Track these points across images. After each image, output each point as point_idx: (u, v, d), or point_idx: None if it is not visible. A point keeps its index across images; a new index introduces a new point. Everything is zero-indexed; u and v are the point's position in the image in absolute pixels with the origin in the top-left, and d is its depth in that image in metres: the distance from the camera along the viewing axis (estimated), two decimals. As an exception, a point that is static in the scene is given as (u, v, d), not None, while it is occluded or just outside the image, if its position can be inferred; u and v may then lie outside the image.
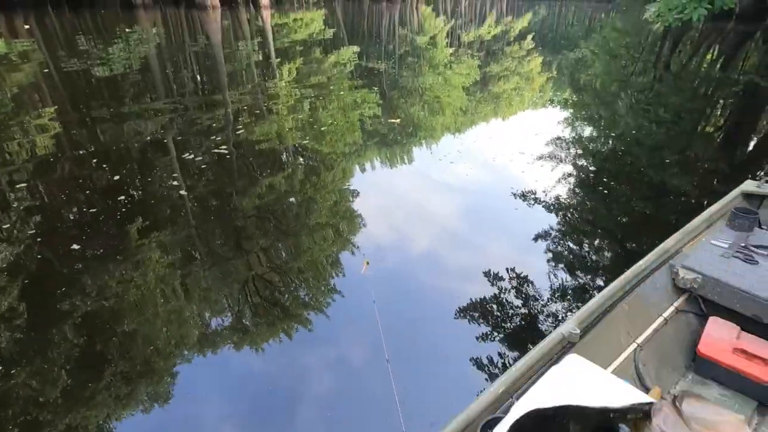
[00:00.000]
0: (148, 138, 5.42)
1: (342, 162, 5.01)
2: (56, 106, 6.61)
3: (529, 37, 19.43)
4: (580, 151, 5.63)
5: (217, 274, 3.00)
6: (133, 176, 4.39)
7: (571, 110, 7.92)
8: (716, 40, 19.30)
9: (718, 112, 8.10)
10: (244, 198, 4.06)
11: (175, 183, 4.26)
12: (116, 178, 4.30)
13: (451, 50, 14.42)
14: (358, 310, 2.73)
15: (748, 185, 2.73)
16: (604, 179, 4.75)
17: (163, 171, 4.52)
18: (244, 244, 3.36)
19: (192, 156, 4.84)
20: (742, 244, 2.14)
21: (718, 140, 6.43)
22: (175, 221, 3.64)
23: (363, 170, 4.91)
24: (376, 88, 8.34)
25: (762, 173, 4.73)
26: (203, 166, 4.62)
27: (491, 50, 14.70)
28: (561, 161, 5.17)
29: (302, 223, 3.69)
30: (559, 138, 6.03)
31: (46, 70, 9.02)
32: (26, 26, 16.33)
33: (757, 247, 2.11)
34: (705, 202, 3.89)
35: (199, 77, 9.05)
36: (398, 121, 6.44)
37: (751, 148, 6.10)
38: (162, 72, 9.26)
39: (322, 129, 5.92)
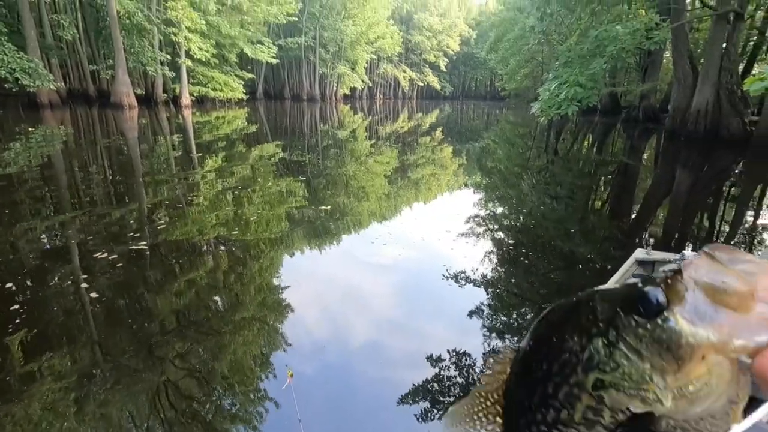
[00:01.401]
0: (49, 241, 4.84)
1: (269, 253, 4.85)
2: (-73, 213, 5.73)
3: (439, 129, 21.73)
4: (498, 227, 6.08)
5: (123, 389, 2.55)
6: (29, 284, 3.79)
7: (484, 191, 8.70)
8: (589, 130, 23.22)
9: (602, 188, 9.43)
10: (160, 298, 3.67)
11: (80, 287, 3.75)
12: (8, 286, 3.69)
13: (370, 142, 15.52)
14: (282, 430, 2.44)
15: (639, 253, 3.10)
16: (523, 251, 5.12)
17: (66, 276, 3.99)
18: (157, 350, 2.96)
19: (101, 256, 4.37)
20: None
21: (607, 211, 7.39)
22: (75, 331, 3.13)
23: (293, 260, 4.77)
24: (302, 179, 8.52)
25: (651, 242, 5.42)
26: (113, 268, 4.17)
27: (407, 141, 16.09)
28: (483, 237, 5.52)
29: (226, 321, 3.38)
30: (478, 216, 6.50)
31: None
32: None
33: None
34: (608, 267, 4.32)
35: (111, 175, 8.57)
36: (328, 208, 6.54)
37: (633, 216, 7.07)
38: (68, 171, 8.64)
39: (247, 221, 5.78)
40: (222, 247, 4.90)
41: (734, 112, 14.88)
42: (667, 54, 23.08)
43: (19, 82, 19.97)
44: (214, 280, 4.12)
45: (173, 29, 27.59)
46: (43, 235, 5.04)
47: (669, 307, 0.32)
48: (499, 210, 7.25)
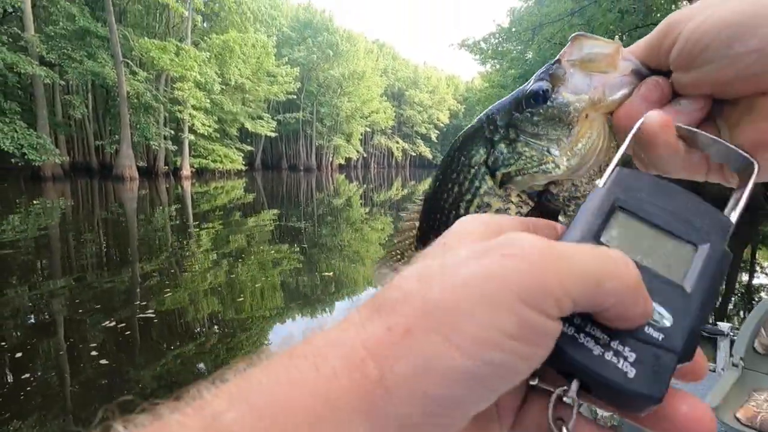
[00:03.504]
0: (34, 317, 4.74)
1: (262, 323, 4.76)
2: None
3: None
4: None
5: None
6: (10, 360, 3.66)
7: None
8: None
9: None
10: (145, 371, 3.54)
11: (59, 365, 3.62)
12: (-21, 367, 3.55)
13: (365, 209, 15.85)
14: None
15: None
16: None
17: (46, 353, 3.86)
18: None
19: (86, 333, 4.26)
20: None
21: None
22: (54, 397, 2.97)
23: (287, 329, 4.68)
24: (297, 247, 8.59)
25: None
26: (97, 343, 4.05)
27: (402, 208, 16.45)
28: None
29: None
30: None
31: None
32: None
33: None
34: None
35: (106, 246, 8.60)
36: (328, 274, 6.53)
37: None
38: (63, 243, 8.66)
39: (240, 290, 5.74)
40: (213, 319, 4.81)
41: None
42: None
43: (26, 157, 20.65)
44: (203, 352, 4.01)
45: (179, 107, 29.23)
46: (30, 305, 4.94)
47: (554, 90, 0.38)
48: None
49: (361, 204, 18.02)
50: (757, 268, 7.74)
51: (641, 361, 0.25)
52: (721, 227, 0.28)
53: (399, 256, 0.52)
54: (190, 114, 29.58)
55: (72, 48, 23.70)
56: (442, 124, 76.48)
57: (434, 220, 0.46)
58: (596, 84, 0.36)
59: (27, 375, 3.42)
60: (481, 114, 0.44)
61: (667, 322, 0.25)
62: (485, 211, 0.42)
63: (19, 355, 3.75)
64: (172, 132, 30.35)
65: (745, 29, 0.29)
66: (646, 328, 0.25)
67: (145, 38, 25.53)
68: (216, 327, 4.60)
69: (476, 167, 0.42)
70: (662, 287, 0.26)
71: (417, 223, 0.50)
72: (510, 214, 0.41)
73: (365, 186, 29.43)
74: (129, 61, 25.75)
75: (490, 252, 0.24)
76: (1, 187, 19.88)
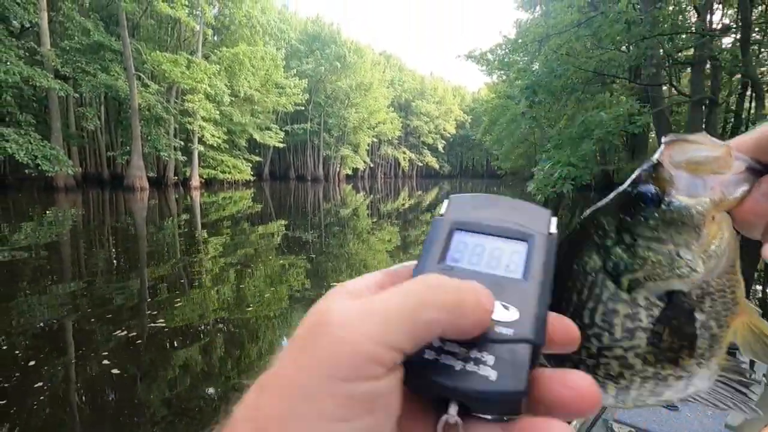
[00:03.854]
0: (45, 325, 4.79)
1: (270, 336, 4.76)
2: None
3: (439, 206, 22.28)
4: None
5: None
6: (16, 367, 3.69)
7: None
8: (585, 205, 23.72)
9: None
10: (152, 384, 3.55)
11: (70, 374, 3.64)
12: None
13: (372, 219, 15.88)
14: None
15: None
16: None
17: (57, 362, 3.89)
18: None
19: (97, 342, 4.30)
20: None
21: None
22: (60, 412, 2.99)
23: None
24: (304, 256, 8.61)
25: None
26: (108, 352, 4.08)
27: (408, 218, 16.45)
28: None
29: (220, 411, 3.23)
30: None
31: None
32: None
33: None
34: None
35: (116, 255, 8.70)
36: (338, 284, 6.53)
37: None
38: (74, 251, 8.78)
39: (248, 301, 5.75)
40: (221, 330, 4.83)
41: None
42: (653, 134, 24.48)
43: (40, 167, 21.06)
44: (210, 365, 4.01)
45: (189, 119, 29.70)
46: (41, 313, 5.00)
47: (665, 194, 0.36)
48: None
49: (368, 214, 18.05)
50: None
51: (500, 361, 0.26)
52: (543, 218, 0.32)
53: None
54: (200, 125, 30.03)
55: (86, 62, 24.27)
56: (448, 135, 76.71)
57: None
58: (713, 185, 0.35)
59: (39, 384, 3.45)
60: (581, 218, 0.42)
61: (515, 315, 0.27)
62: (612, 318, 0.39)
63: (32, 363, 3.78)
64: (182, 143, 30.80)
65: None
66: (496, 328, 0.27)
67: (157, 52, 26.07)
68: (225, 337, 4.61)
69: (593, 274, 0.39)
70: (504, 286, 0.28)
71: None
72: (640, 318, 0.38)
73: (372, 196, 29.51)
74: (141, 74, 26.31)
75: (306, 339, 0.25)
76: (16, 197, 20.24)
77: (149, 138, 28.14)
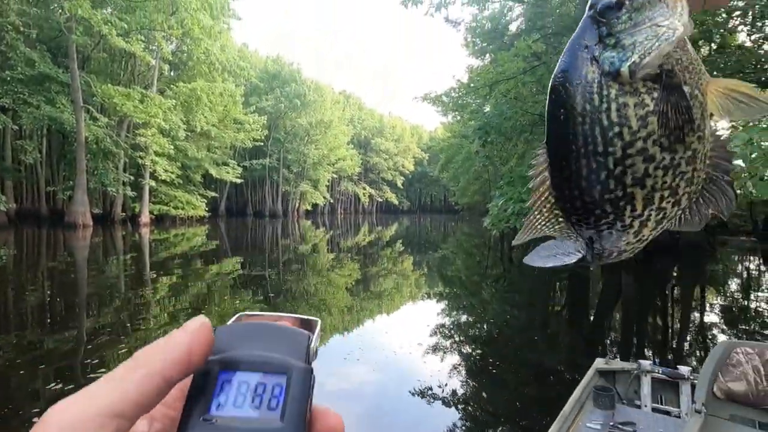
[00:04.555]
0: (-42, 380, 4.22)
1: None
2: None
3: (399, 241, 22.47)
4: (466, 338, 6.02)
5: None
6: None
7: (447, 301, 8.76)
8: (536, 240, 24.82)
9: (558, 293, 9.78)
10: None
11: (-16, 439, 3.20)
12: None
13: (332, 255, 15.68)
14: None
15: (599, 363, 3.18)
16: (492, 361, 5.03)
17: (-31, 424, 3.41)
18: None
19: (29, 398, 3.83)
20: (611, 423, 2.41)
21: (566, 317, 7.57)
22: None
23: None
24: (261, 295, 8.28)
25: (609, 346, 5.55)
26: (40, 409, 3.64)
27: (368, 254, 16.40)
28: (453, 350, 5.41)
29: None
30: (445, 327, 6.45)
31: None
32: None
33: (622, 423, 2.40)
34: (576, 376, 4.30)
35: (51, 300, 7.96)
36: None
37: (590, 321, 7.27)
38: (6, 290, 7.95)
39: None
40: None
41: (660, 221, 16.61)
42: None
43: (-35, 203, 19.30)
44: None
45: (140, 153, 28.61)
46: (-42, 372, 4.41)
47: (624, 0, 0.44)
48: (465, 319, 7.25)
49: (327, 250, 17.83)
50: (707, 307, 8.16)
51: None
52: (301, 348, 0.32)
53: (540, 217, 0.53)
54: (152, 160, 28.97)
55: (29, 93, 23.06)
56: (407, 171, 78.69)
57: (575, 150, 0.47)
58: None
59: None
60: (565, 53, 0.47)
61: None
62: (626, 111, 0.44)
63: (-64, 428, 3.29)
64: (132, 178, 29.47)
65: None
66: None
67: (109, 85, 25.28)
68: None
69: (596, 81, 0.45)
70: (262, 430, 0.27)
71: (548, 174, 0.50)
72: (647, 103, 0.44)
73: (332, 232, 29.29)
74: (90, 107, 25.27)
75: None
76: (-66, 236, 18.28)
77: (96, 172, 26.73)
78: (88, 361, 4.73)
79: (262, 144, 45.82)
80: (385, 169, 74.01)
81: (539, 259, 0.56)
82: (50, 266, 11.52)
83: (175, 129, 28.88)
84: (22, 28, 22.42)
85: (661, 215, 0.48)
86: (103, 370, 4.43)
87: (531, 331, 6.33)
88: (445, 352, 5.30)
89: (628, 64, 0.43)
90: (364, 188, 73.47)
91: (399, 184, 77.98)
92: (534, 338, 6.00)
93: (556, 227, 0.53)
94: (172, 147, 29.47)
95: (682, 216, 0.49)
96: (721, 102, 0.45)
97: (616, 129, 0.44)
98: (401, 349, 5.37)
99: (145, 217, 29.89)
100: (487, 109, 18.66)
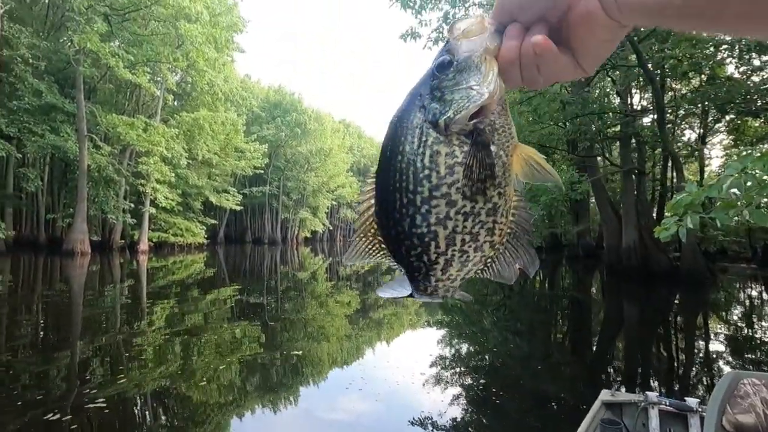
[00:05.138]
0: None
1: (220, 415, 4.35)
2: None
3: (397, 270, 22.30)
4: (468, 367, 5.90)
5: None
6: None
7: (448, 329, 8.64)
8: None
9: (560, 321, 9.66)
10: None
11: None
12: None
13: (331, 283, 15.55)
14: None
15: (605, 395, 3.12)
16: (495, 391, 4.92)
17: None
18: None
19: (26, 428, 3.72)
20: None
21: (568, 346, 7.46)
22: None
23: (254, 419, 4.28)
24: (259, 324, 8.17)
25: (613, 376, 5.45)
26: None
27: (368, 281, 16.27)
28: (456, 379, 5.30)
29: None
30: (447, 356, 6.33)
31: None
32: None
33: None
34: (581, 405, 4.21)
35: (45, 329, 7.83)
36: (297, 353, 6.18)
37: (594, 349, 7.16)
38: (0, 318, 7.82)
39: (194, 375, 5.29)
40: (162, 411, 4.36)
41: (658, 249, 16.64)
42: (593, 199, 26.52)
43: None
44: (151, 449, 3.56)
45: (141, 180, 28.81)
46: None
47: (454, 56, 0.51)
48: (467, 348, 7.13)
49: (326, 278, 17.70)
50: (711, 335, 8.06)
51: None
52: None
53: (365, 239, 0.58)
54: (153, 187, 29.13)
55: (34, 122, 23.45)
56: (406, 199, 78.97)
57: (392, 185, 0.53)
58: (480, 41, 0.50)
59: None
60: (405, 98, 0.54)
61: None
62: (437, 159, 0.50)
63: None
64: (132, 205, 29.54)
65: None
66: None
67: (113, 114, 25.76)
68: (171, 419, 4.15)
69: (419, 126, 0.52)
70: None
71: (373, 201, 0.56)
72: (456, 155, 0.50)
73: (331, 259, 29.14)
74: (93, 136, 25.65)
75: None
76: (-70, 263, 18.12)
77: (96, 200, 26.83)
78: (87, 390, 4.62)
79: (263, 171, 46.25)
80: (384, 196, 74.29)
81: (383, 291, 0.63)
82: (46, 294, 11.39)
83: (177, 157, 29.19)
84: (31, 60, 23.00)
85: (464, 257, 0.54)
86: (102, 398, 4.32)
87: (533, 360, 6.22)
88: (447, 382, 5.19)
89: (444, 117, 0.50)
90: (364, 215, 73.56)
91: (398, 211, 78.12)
92: (537, 367, 5.89)
93: (379, 254, 0.59)
94: (173, 174, 29.70)
95: (493, 266, 0.56)
96: (522, 165, 0.53)
97: (426, 172, 0.51)
98: (403, 378, 5.26)
99: (143, 245, 29.76)
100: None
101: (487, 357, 6.63)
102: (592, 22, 0.44)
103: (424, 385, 5.06)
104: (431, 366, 5.83)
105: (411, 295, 0.59)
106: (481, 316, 9.88)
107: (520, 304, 11.68)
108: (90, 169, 25.39)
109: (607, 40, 0.46)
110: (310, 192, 54.21)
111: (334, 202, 63.53)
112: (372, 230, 0.57)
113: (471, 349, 7.14)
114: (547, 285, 16.37)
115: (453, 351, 6.85)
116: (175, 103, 35.91)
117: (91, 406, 4.24)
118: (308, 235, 59.65)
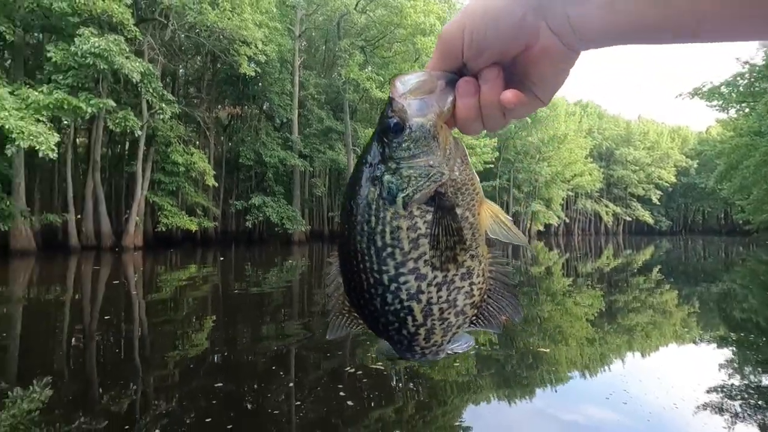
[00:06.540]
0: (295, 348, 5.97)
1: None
2: (214, 316, 7.95)
3: (656, 268, 18.61)
4: (764, 401, 4.46)
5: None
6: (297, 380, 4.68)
7: (734, 349, 6.68)
8: None
9: None
10: None
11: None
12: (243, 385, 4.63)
13: (568, 280, 14.36)
14: None
15: None
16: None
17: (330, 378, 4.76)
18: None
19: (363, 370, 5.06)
20: None
21: None
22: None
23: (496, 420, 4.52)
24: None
25: None
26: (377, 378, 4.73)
27: (613, 281, 14.23)
28: (747, 414, 4.11)
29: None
30: (733, 384, 4.95)
31: (216, 291, 11.26)
32: (221, 258, 21.21)
33: None
34: None
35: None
36: (546, 350, 6.14)
37: None
38: (302, 290, 10.82)
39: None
40: (403, 394, 5.02)
41: None
42: None
43: (284, 226, 27.61)
44: None
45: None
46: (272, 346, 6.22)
47: (405, 120, 0.46)
48: (766, 380, 5.36)
49: (563, 274, 16.44)
50: None
51: None
52: None
53: (341, 316, 0.56)
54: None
55: (319, 142, 31.10)
56: (666, 184, 64.67)
57: (355, 265, 0.50)
58: (431, 103, 0.45)
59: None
60: (356, 165, 0.51)
61: None
62: (399, 234, 0.47)
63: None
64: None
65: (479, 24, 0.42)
66: None
67: (370, 129, 31.37)
68: (408, 404, 4.79)
69: (375, 203, 0.48)
70: None
71: (341, 279, 0.55)
72: (419, 227, 0.47)
73: (567, 254, 26.84)
74: (357, 149, 31.81)
75: None
76: (267, 249, 26.48)
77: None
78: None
79: (492, 165, 46.64)
80: (635, 182, 62.91)
81: (379, 350, 0.59)
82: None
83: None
84: (316, 96, 30.69)
85: (445, 324, 0.50)
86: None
87: None
88: (736, 416, 4.05)
89: (403, 195, 0.46)
90: (607, 206, 64.31)
91: (654, 199, 64.83)
92: None
93: (360, 327, 0.54)
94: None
95: (479, 322, 0.52)
96: (489, 222, 0.50)
97: (390, 250, 0.47)
98: (682, 402, 4.35)
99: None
100: (799, 91, 13.50)
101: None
102: (551, 56, 0.42)
103: (712, 413, 4.08)
104: (708, 392, 4.65)
105: (400, 358, 0.58)
106: (794, 339, 7.19)
107: None
108: (354, 175, 31.72)
109: (564, 68, 0.44)
110: (543, 183, 51.23)
111: (570, 193, 58.03)
112: (346, 307, 0.55)
113: (776, 380, 5.30)
114: None
115: (743, 377, 5.26)
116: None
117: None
118: (541, 228, 56.56)
